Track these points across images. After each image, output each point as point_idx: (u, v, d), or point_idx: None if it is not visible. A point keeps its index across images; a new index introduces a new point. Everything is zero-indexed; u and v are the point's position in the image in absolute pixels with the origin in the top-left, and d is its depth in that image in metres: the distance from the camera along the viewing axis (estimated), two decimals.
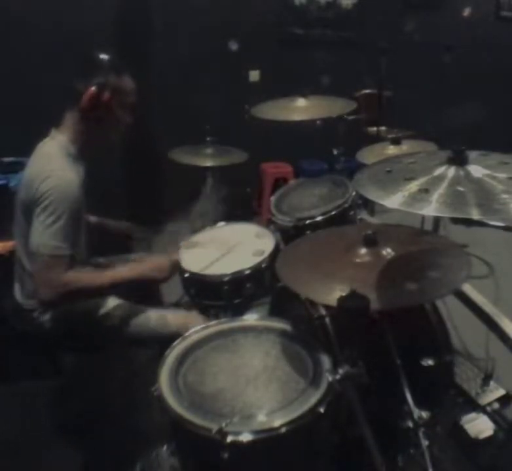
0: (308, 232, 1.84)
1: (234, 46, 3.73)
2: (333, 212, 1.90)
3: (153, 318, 1.69)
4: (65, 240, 1.46)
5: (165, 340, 1.45)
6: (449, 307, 1.67)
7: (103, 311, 1.67)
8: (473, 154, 1.20)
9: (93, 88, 1.51)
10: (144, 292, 1.93)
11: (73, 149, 1.58)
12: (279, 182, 3.69)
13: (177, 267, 1.73)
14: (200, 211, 1.95)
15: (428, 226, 2.10)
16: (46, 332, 1.62)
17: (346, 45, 4.07)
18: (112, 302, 1.70)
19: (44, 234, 1.44)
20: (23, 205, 1.53)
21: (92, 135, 1.60)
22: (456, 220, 2.65)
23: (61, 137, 1.57)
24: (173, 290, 2.06)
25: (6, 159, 2.65)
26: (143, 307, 1.73)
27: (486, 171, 1.13)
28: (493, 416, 1.69)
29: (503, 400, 1.77)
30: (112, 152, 3.26)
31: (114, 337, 1.66)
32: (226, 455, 1.10)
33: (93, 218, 1.92)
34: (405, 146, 2.26)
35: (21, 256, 1.61)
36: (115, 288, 1.64)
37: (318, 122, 2.24)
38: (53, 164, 1.51)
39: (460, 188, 1.08)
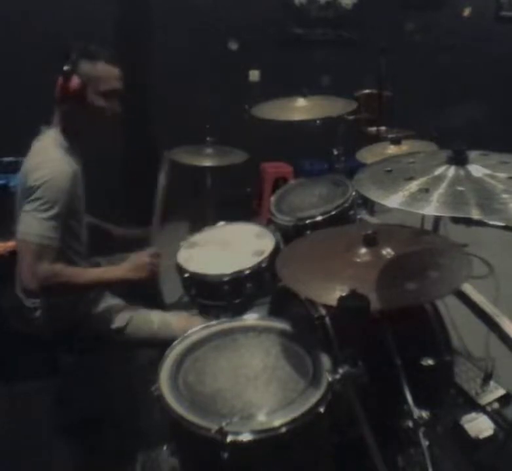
0: (308, 232, 1.84)
1: (234, 46, 3.73)
2: (333, 212, 1.89)
3: (156, 321, 1.68)
4: (55, 231, 1.43)
5: (167, 343, 1.44)
6: (449, 307, 1.67)
7: (105, 313, 1.66)
8: (473, 154, 1.20)
9: (73, 79, 1.49)
10: (144, 292, 1.93)
11: (65, 141, 1.57)
12: (279, 182, 3.69)
13: (156, 265, 1.64)
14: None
15: (428, 226, 2.09)
16: (48, 332, 1.61)
17: (346, 45, 4.07)
18: (115, 304, 1.70)
19: (34, 223, 1.41)
20: (19, 202, 1.53)
21: (78, 126, 1.58)
22: (456, 220, 2.64)
23: (52, 132, 1.57)
24: (173, 290, 2.06)
25: (6, 159, 2.65)
26: (145, 309, 1.73)
27: (486, 171, 1.13)
28: (493, 416, 1.69)
29: (503, 400, 1.76)
30: (112, 152, 3.26)
31: (116, 339, 1.66)
32: (226, 455, 1.10)
33: (88, 219, 1.90)
34: (405, 146, 2.26)
35: None
36: (97, 288, 1.62)
37: (318, 122, 2.24)
38: (45, 156, 1.50)
39: (460, 188, 1.08)
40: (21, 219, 1.44)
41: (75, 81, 1.50)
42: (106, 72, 1.56)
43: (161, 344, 1.59)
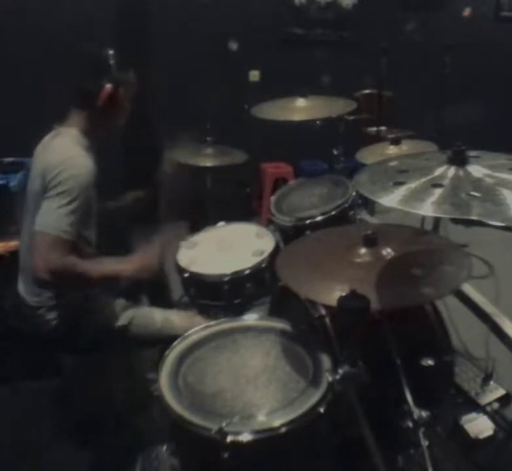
0: (308, 232, 1.84)
1: (234, 46, 3.73)
2: (333, 212, 1.90)
3: (159, 319, 1.69)
4: (72, 226, 1.46)
5: (169, 341, 1.45)
6: (449, 307, 1.67)
7: (108, 311, 1.66)
8: (472, 154, 1.20)
9: (108, 86, 1.54)
10: (154, 290, 1.94)
11: (85, 141, 1.59)
12: (279, 182, 3.69)
13: (155, 265, 1.65)
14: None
15: (428, 226, 2.09)
16: (49, 331, 1.61)
17: (346, 45, 4.07)
18: (117, 303, 1.70)
19: (53, 216, 1.45)
20: (34, 198, 1.53)
21: (103, 128, 1.64)
22: (456, 220, 2.65)
23: (71, 131, 1.58)
24: (173, 290, 2.06)
25: (6, 159, 2.65)
26: (147, 308, 1.73)
27: (486, 171, 1.13)
28: (494, 416, 1.69)
29: (503, 400, 1.76)
30: (113, 152, 3.26)
31: (119, 338, 1.66)
32: (226, 455, 1.10)
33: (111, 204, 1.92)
34: (405, 146, 2.26)
35: (27, 253, 1.60)
36: (104, 283, 1.63)
37: (318, 122, 2.24)
38: (69, 152, 1.52)
39: (461, 188, 1.08)
40: (41, 212, 1.46)
41: (121, 90, 1.57)
42: (133, 78, 1.64)
43: (163, 343, 1.60)
